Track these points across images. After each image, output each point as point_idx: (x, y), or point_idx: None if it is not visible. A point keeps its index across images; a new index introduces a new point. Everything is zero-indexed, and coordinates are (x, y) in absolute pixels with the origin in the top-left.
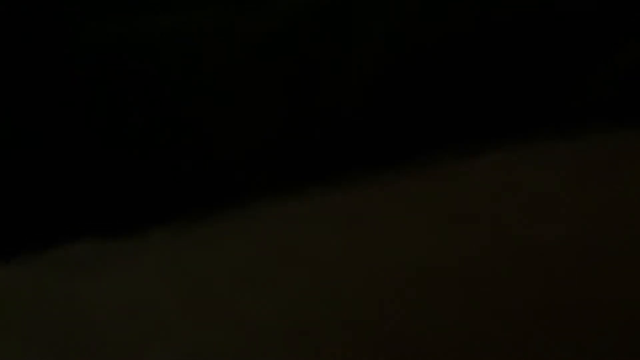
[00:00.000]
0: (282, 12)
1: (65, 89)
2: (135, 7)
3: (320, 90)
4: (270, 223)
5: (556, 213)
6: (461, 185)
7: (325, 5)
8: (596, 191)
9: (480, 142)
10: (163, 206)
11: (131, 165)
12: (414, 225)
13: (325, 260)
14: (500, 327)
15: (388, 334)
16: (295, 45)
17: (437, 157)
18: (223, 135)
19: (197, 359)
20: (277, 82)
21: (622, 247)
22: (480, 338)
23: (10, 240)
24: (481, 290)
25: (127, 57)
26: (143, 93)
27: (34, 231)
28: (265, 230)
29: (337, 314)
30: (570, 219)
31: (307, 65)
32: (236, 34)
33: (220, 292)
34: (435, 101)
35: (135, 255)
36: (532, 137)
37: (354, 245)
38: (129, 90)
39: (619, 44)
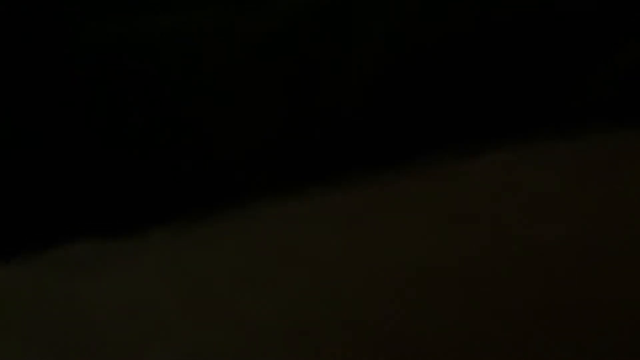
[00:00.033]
0: (282, 12)
1: (65, 89)
2: (135, 7)
3: (320, 90)
4: (270, 223)
5: (556, 213)
6: (461, 185)
7: (325, 5)
8: (596, 191)
9: (480, 142)
10: (163, 206)
11: (131, 165)
12: (414, 225)
13: (325, 260)
14: (500, 327)
15: (388, 334)
16: (295, 45)
17: (437, 157)
18: (223, 135)
19: (197, 359)
20: (277, 82)
21: (622, 247)
22: (480, 338)
23: (10, 240)
24: (481, 290)
25: (127, 57)
26: (143, 93)
27: (34, 231)
28: (265, 230)
29: (337, 314)
30: (570, 219)
31: (307, 65)
32: (236, 34)
33: (220, 292)
34: (435, 101)
35: (135, 255)
36: (532, 137)
37: (354, 245)
38: (129, 90)
39: (619, 44)
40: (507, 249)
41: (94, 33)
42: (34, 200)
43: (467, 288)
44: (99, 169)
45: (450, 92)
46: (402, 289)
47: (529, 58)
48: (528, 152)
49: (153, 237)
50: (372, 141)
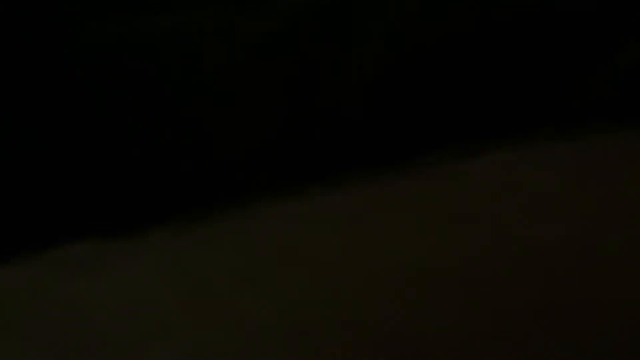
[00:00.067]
0: (282, 12)
1: (65, 89)
2: (135, 7)
3: (320, 90)
4: (270, 223)
5: (556, 213)
6: (461, 185)
7: (325, 5)
8: (596, 191)
9: (480, 142)
10: (163, 206)
11: (131, 165)
12: (414, 225)
13: (325, 260)
14: (500, 327)
15: (388, 334)
16: (295, 45)
17: (437, 157)
18: (223, 135)
19: (197, 359)
20: (277, 82)
21: (622, 247)
22: (480, 338)
23: (10, 240)
24: (481, 290)
25: (127, 57)
26: (143, 93)
27: (34, 231)
28: (265, 230)
29: (337, 314)
30: (570, 219)
31: (307, 65)
32: (236, 34)
33: (220, 292)
34: (435, 101)
35: (135, 255)
36: (532, 137)
37: (354, 245)
38: (129, 90)
39: (619, 44)
40: (507, 249)
41: (94, 33)
42: (34, 200)
43: (467, 288)
44: (99, 169)
45: (450, 92)
46: (402, 289)
47: (529, 58)
48: (528, 152)
49: (153, 237)
50: (372, 141)
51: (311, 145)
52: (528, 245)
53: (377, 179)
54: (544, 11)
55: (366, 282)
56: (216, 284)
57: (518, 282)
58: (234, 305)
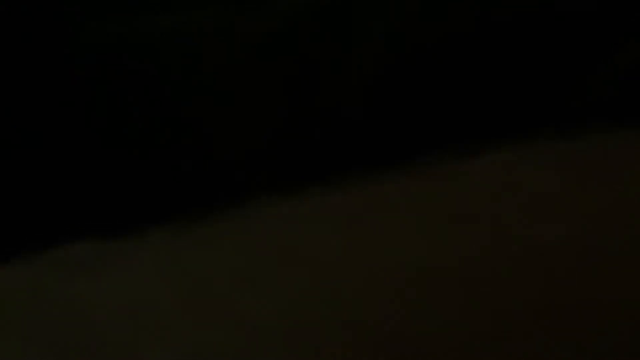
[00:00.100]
0: (282, 12)
1: (65, 89)
2: (135, 7)
3: (320, 90)
4: (270, 223)
5: (556, 213)
6: (461, 185)
7: (325, 5)
8: (596, 191)
9: (480, 142)
10: (163, 206)
11: (131, 165)
12: (414, 225)
13: (325, 260)
14: (500, 327)
15: (388, 334)
16: (295, 45)
17: (437, 157)
18: (223, 135)
19: (197, 359)
20: (277, 82)
21: (622, 247)
22: (480, 338)
23: (10, 240)
24: (481, 290)
25: (127, 57)
26: (143, 93)
27: (34, 231)
28: (265, 230)
29: (337, 314)
30: (570, 219)
31: (307, 65)
32: (236, 34)
33: (220, 292)
34: (435, 101)
35: (135, 255)
36: (532, 137)
37: (354, 245)
38: (129, 91)
39: (619, 44)
40: (507, 249)
41: (94, 33)
42: (34, 200)
43: (467, 288)
44: (98, 168)
45: (450, 92)
46: (402, 289)
47: (529, 58)
48: (528, 152)
49: (153, 237)
50: (372, 141)
51: (311, 145)
52: (528, 245)
53: (377, 179)
54: (544, 11)
55: (366, 282)
56: (216, 284)
57: (518, 282)
58: (234, 305)
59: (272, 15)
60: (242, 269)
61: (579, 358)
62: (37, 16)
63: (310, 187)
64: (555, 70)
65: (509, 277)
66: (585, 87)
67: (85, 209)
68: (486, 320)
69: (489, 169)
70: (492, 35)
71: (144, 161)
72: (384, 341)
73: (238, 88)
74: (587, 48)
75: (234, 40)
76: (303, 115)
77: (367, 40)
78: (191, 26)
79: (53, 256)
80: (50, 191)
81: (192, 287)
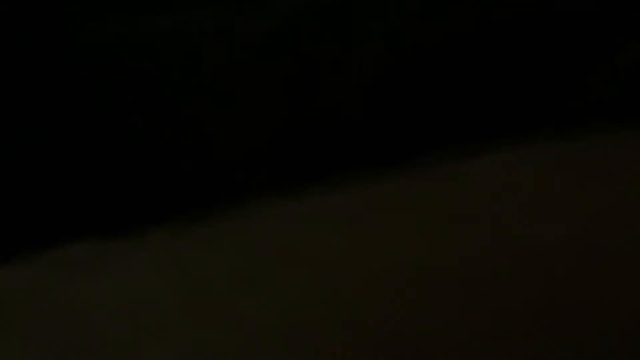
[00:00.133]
0: (282, 12)
1: (65, 89)
2: (135, 7)
3: (320, 90)
4: (270, 223)
5: (556, 213)
6: (461, 185)
7: (325, 5)
8: (596, 191)
9: (480, 142)
10: (163, 206)
11: (131, 165)
12: (414, 225)
13: (325, 260)
14: (500, 327)
15: (388, 334)
16: (295, 45)
17: (437, 157)
18: (223, 135)
19: (197, 359)
20: (277, 82)
21: (622, 247)
22: (480, 338)
23: (10, 240)
24: (481, 290)
25: (127, 57)
26: (143, 93)
27: (34, 231)
28: (265, 230)
29: (337, 314)
30: (570, 219)
31: (307, 65)
32: (236, 34)
33: (220, 292)
34: (435, 101)
35: (135, 255)
36: (532, 137)
37: (354, 245)
38: (129, 90)
39: (619, 44)
40: (507, 249)
41: (94, 33)
42: (34, 200)
43: (467, 288)
44: (98, 168)
45: (450, 92)
46: (402, 289)
47: (529, 58)
48: (528, 152)
49: (153, 237)
50: (372, 141)
51: (311, 145)
52: (528, 245)
53: (377, 179)
54: (544, 11)
55: (366, 282)
56: (216, 284)
57: (518, 282)
58: (234, 305)
59: (272, 15)
60: (242, 269)
61: (579, 358)
62: (37, 16)
63: (310, 187)
64: (555, 70)
65: (509, 277)
66: (585, 87)
67: (85, 209)
68: (486, 320)
69: (489, 169)
70: (492, 35)
71: (144, 161)
72: (384, 341)
73: (238, 88)
74: (587, 48)
75: (234, 40)
76: (303, 115)
77: (367, 40)
78: (191, 26)
79: (53, 256)
80: (50, 191)
81: (192, 287)
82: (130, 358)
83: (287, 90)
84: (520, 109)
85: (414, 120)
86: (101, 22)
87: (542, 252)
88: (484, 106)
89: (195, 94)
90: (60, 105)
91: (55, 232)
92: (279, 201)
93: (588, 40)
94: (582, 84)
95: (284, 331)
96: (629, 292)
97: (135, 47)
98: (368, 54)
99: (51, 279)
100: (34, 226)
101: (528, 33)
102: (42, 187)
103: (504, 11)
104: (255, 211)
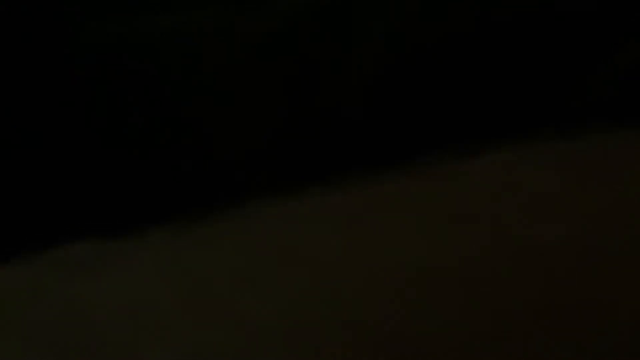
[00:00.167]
0: (282, 12)
1: (65, 89)
2: (135, 7)
3: (320, 90)
4: (270, 223)
5: (556, 213)
6: (461, 185)
7: (325, 5)
8: (596, 191)
9: (480, 142)
10: (163, 206)
11: (131, 165)
12: (414, 225)
13: (325, 260)
14: (500, 327)
15: (388, 334)
16: (295, 45)
17: (437, 157)
18: (223, 135)
19: (197, 359)
20: (277, 82)
21: (622, 247)
22: (480, 338)
23: (10, 240)
24: (481, 290)
25: (127, 57)
26: (143, 93)
27: (34, 231)
28: (265, 230)
29: (337, 314)
30: (570, 219)
31: (307, 65)
32: (236, 34)
33: (220, 292)
34: (435, 101)
35: (135, 255)
36: (532, 137)
37: (354, 245)
38: (129, 90)
39: (619, 44)
40: (507, 249)
41: (94, 33)
42: (34, 200)
43: (467, 288)
44: (98, 168)
45: (450, 92)
46: (402, 289)
47: (529, 58)
48: (528, 152)
49: (153, 237)
50: (372, 141)
51: (311, 145)
52: (528, 245)
53: (377, 179)
54: (544, 11)
55: (366, 282)
56: (216, 284)
57: (518, 282)
58: (234, 305)
59: (272, 15)
60: (242, 269)
61: (579, 358)
62: (37, 16)
63: (310, 187)
64: (555, 70)
65: (509, 277)
66: (585, 87)
67: (85, 209)
68: (486, 320)
69: (489, 169)
70: (492, 35)
71: (144, 161)
72: (384, 341)
73: (238, 88)
74: (587, 48)
75: (234, 40)
76: (303, 115)
77: (367, 40)
78: (191, 26)
79: (53, 256)
80: (50, 191)
81: (192, 287)
82: (130, 358)
83: (287, 90)
84: (520, 109)
85: (414, 120)
86: (101, 22)
87: (542, 252)
88: (484, 106)
89: (195, 94)
90: (61, 105)
91: (55, 232)
92: (279, 201)
93: (588, 40)
94: (582, 84)
95: (284, 331)
96: (629, 292)
97: (135, 47)
98: (368, 54)
99: (51, 279)
100: (34, 226)
101: (528, 33)
102: (42, 187)
103: (504, 11)
104: (255, 211)
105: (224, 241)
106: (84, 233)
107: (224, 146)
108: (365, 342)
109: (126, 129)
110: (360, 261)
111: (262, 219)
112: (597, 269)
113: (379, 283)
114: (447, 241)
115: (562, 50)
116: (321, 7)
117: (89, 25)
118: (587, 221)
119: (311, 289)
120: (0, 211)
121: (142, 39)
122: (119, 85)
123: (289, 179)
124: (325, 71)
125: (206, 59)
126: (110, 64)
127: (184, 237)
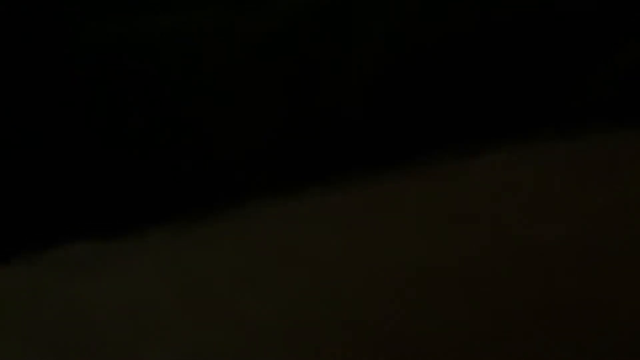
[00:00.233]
0: (282, 12)
1: (65, 89)
2: (135, 7)
3: (320, 90)
4: (270, 223)
5: (556, 213)
6: (461, 185)
7: (325, 5)
8: (596, 191)
9: (480, 142)
10: (163, 206)
11: (131, 165)
12: (414, 225)
13: (325, 260)
14: (500, 327)
15: (388, 334)
16: (295, 45)
17: (437, 157)
18: (223, 135)
19: (197, 359)
20: (277, 82)
21: (622, 247)
22: (480, 338)
23: (10, 240)
24: (481, 290)
25: (127, 57)
26: (143, 93)
27: (34, 231)
28: (265, 230)
29: (337, 314)
30: (570, 219)
31: (307, 65)
32: (236, 34)
33: (220, 292)
34: (435, 101)
35: (135, 255)
36: (532, 137)
37: (354, 245)
38: (129, 90)
39: (619, 44)
40: (507, 249)
41: (94, 33)
42: (34, 200)
43: (467, 288)
44: (98, 169)
45: (450, 92)
46: (402, 289)
47: (529, 58)
48: (528, 152)
49: (153, 237)
50: (372, 141)
51: (311, 145)
52: (528, 245)
53: (377, 179)
54: (544, 11)
55: (366, 282)
56: (216, 284)
57: (518, 282)
58: (234, 305)
59: (272, 15)
60: (242, 269)
61: (579, 358)
62: (37, 16)
63: (310, 187)
64: (555, 70)
65: (509, 277)
66: (585, 87)
67: (86, 209)
68: (486, 320)
69: (489, 169)
70: (492, 35)
71: (144, 161)
72: (384, 341)
73: (238, 88)
74: (587, 48)
75: (234, 40)
76: (303, 115)
77: (367, 40)
78: (191, 26)
79: (53, 256)
80: (50, 191)
81: (192, 287)
82: (130, 358)
83: (287, 90)
84: (520, 109)
85: (414, 120)
86: (101, 22)
87: (542, 252)
88: (484, 106)
89: (195, 94)
90: (61, 105)
91: (55, 232)
92: (279, 201)
93: (588, 40)
94: (582, 84)
95: (284, 331)
96: (629, 292)
97: (135, 47)
98: (368, 54)
99: (51, 279)
100: (34, 226)
101: (528, 33)
102: (42, 187)
103: (504, 11)
104: (255, 211)
105: (224, 241)
106: (84, 233)
107: (224, 146)
108: (365, 342)
109: (126, 129)
110: (360, 261)
111: (262, 219)
112: (597, 269)
113: (379, 283)
114: (447, 241)
115: (562, 50)
116: (321, 7)
117: (89, 25)
118: (587, 221)
119: (311, 289)
120: (1, 211)
121: (142, 39)
122: (119, 86)
123: (289, 179)
124: (325, 71)
125: (206, 59)
126: (110, 64)
127: (184, 237)
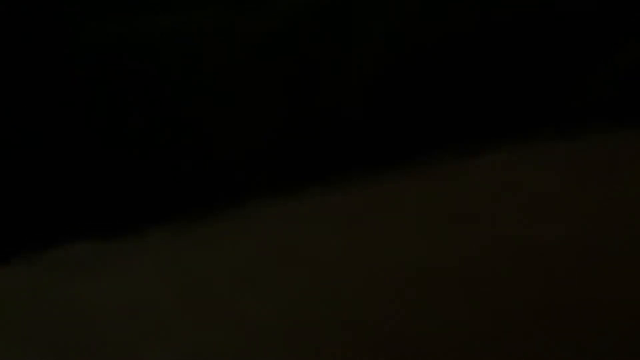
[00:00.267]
0: (282, 12)
1: (65, 89)
2: (135, 7)
3: (320, 90)
4: (270, 223)
5: (556, 213)
6: (461, 185)
7: (325, 5)
8: (596, 191)
9: (480, 142)
10: (163, 206)
11: (131, 165)
12: (414, 225)
13: (325, 260)
14: (500, 327)
15: (388, 334)
16: (295, 45)
17: (437, 157)
18: (223, 135)
19: (197, 359)
20: (277, 82)
21: (622, 247)
22: (480, 338)
23: (10, 240)
24: (481, 290)
25: (127, 57)
26: (143, 93)
27: (34, 231)
28: (265, 230)
29: (337, 314)
30: (570, 219)
31: (307, 65)
32: (236, 34)
33: (220, 292)
34: (435, 101)
35: (135, 255)
36: (532, 137)
37: (354, 245)
38: (129, 90)
39: (619, 44)
40: (507, 249)
41: (94, 33)
42: (34, 200)
43: (467, 288)
44: (98, 169)
45: (450, 92)
46: (402, 289)
47: (529, 58)
48: (528, 152)
49: (153, 237)
50: (372, 141)
51: (311, 145)
52: (528, 245)
53: (377, 179)
54: (544, 11)
55: (366, 282)
56: (216, 284)
57: (518, 282)
58: (234, 305)
59: (272, 15)
60: (242, 269)
61: (579, 358)
62: (37, 16)
63: (310, 187)
64: (555, 70)
65: (509, 277)
66: (585, 87)
67: (85, 209)
68: (486, 320)
69: (489, 169)
70: (492, 35)
71: (143, 161)
72: (384, 341)
73: (238, 88)
74: (587, 48)
75: (234, 40)
76: (303, 115)
77: (367, 40)
78: (191, 26)
79: (53, 256)
80: (50, 191)
81: (192, 287)
82: (130, 358)
83: (287, 90)
84: (520, 109)
85: (414, 120)
86: (101, 22)
87: (542, 252)
88: (484, 106)
89: (195, 94)
90: (60, 105)
91: (55, 232)
92: (279, 201)
93: (588, 40)
94: (582, 84)
95: (284, 331)
96: (629, 292)
97: (135, 47)
98: (368, 54)
99: (51, 279)
100: (34, 226)
101: (528, 33)
102: (41, 187)
103: (504, 11)
104: (255, 211)
105: (224, 241)
106: (84, 233)
107: (224, 146)
108: (365, 342)
109: (126, 129)
110: (360, 261)
111: (262, 219)
112: (597, 269)
113: (379, 283)
114: (447, 241)
115: (562, 50)
116: (321, 7)
117: (89, 25)
118: (587, 221)
119: (311, 289)
120: (0, 211)
121: (142, 39)
122: (119, 85)
123: (289, 179)
124: (325, 71)
125: (206, 59)
126: (110, 64)
127: (184, 237)
